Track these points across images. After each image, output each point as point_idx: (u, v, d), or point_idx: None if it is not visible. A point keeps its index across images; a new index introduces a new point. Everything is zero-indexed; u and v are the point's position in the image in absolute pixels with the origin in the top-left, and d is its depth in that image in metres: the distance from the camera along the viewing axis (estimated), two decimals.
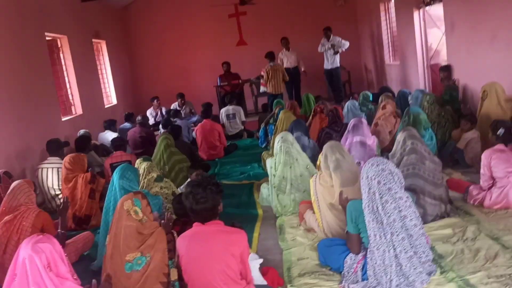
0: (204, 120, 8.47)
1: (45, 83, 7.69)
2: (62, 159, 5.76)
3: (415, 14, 9.05)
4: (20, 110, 6.64)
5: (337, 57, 10.96)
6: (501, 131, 4.35)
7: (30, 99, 6.99)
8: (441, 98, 7.22)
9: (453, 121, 6.48)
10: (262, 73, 10.69)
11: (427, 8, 8.81)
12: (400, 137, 4.23)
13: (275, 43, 11.74)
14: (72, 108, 8.97)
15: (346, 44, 10.87)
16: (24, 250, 2.46)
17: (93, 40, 10.55)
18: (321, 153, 4.19)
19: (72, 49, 9.00)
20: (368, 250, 3.12)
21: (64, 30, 8.81)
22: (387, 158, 4.64)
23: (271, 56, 10.54)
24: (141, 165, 4.67)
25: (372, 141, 5.48)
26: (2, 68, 6.35)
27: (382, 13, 11.25)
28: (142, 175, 4.59)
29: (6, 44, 6.53)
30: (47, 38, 8.13)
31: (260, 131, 8.52)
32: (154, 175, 4.56)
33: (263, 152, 6.99)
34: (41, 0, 7.92)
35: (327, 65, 11.05)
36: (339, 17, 13.19)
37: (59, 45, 8.81)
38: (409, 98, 7.42)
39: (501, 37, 6.18)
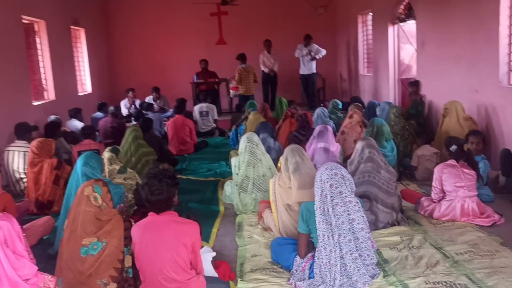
0: (176, 115, 8.54)
1: (19, 65, 7.63)
2: (30, 143, 5.77)
3: (390, 29, 9.36)
4: None
5: (313, 63, 11.19)
6: (453, 147, 4.60)
7: (1, 80, 6.93)
8: (407, 112, 7.51)
9: (416, 135, 6.77)
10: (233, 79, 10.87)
11: (402, 24, 9.12)
12: (359, 145, 4.43)
13: (254, 45, 11.91)
14: (45, 93, 8.91)
15: (323, 51, 11.12)
16: None
17: (72, 27, 10.47)
18: (281, 156, 4.35)
19: (49, 34, 8.95)
20: (316, 249, 3.28)
21: (42, 14, 8.74)
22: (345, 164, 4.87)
23: (242, 58, 10.72)
24: (105, 155, 4.73)
25: (335, 148, 5.68)
26: None
27: (360, 25, 11.54)
28: (105, 165, 4.65)
29: None
30: (24, 22, 8.06)
31: (231, 132, 8.65)
32: (116, 167, 4.61)
33: (231, 151, 7.12)
34: None
35: (303, 71, 11.26)
36: (319, 25, 13.44)
37: (36, 29, 8.74)
38: (377, 109, 7.68)
39: (465, 59, 6.49)
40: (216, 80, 11.61)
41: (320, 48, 11.10)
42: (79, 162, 3.95)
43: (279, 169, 4.51)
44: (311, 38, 11.15)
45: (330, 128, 5.88)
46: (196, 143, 8.47)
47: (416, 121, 7.16)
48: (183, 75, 12.79)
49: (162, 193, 2.91)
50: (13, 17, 7.58)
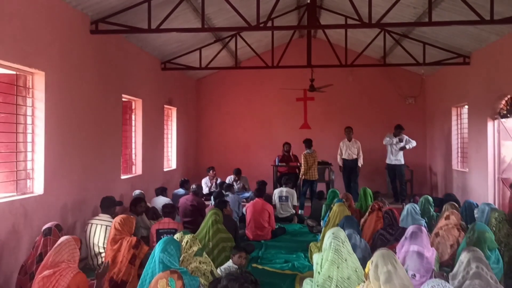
0: (257, 198, 8.38)
1: (114, 140, 8.05)
2: (113, 218, 5.84)
3: (489, 124, 8.77)
4: (85, 160, 6.93)
5: (402, 154, 10.69)
6: None
7: (97, 152, 7.31)
8: (510, 216, 6.70)
9: None
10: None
11: (503, 120, 8.51)
12: (464, 257, 3.86)
13: (339, 131, 11.76)
14: (133, 167, 9.25)
15: (413, 143, 10.65)
16: None
17: (165, 106, 11.06)
18: (370, 260, 3.89)
19: (144, 112, 9.48)
20: None
21: (140, 94, 9.34)
22: (447, 275, 4.27)
23: (308, 143, 10.50)
24: (183, 238, 4.57)
25: (431, 253, 5.06)
26: (80, 120, 6.75)
27: (454, 117, 11.00)
28: (184, 248, 4.48)
29: (87, 99, 6.99)
30: (123, 100, 8.61)
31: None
32: (195, 248, 4.44)
33: (311, 243, 6.71)
34: (124, 66, 8.52)
35: (390, 160, 10.77)
36: (407, 115, 13.10)
37: (133, 107, 9.30)
38: (475, 211, 6.95)
39: None
40: (298, 164, 11.46)
41: (411, 139, 10.64)
42: (157, 248, 3.81)
43: (366, 276, 4.04)
44: (403, 128, 10.77)
45: (424, 229, 5.30)
46: (273, 229, 8.18)
47: None
48: (265, 156, 12.86)
49: None
50: (115, 96, 8.13)
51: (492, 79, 8.63)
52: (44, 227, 4.89)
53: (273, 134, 13.40)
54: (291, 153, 11.70)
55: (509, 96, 8.25)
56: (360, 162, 10.94)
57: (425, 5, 7.49)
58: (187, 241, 4.70)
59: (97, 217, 6.08)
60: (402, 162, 10.73)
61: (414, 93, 13.17)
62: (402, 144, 10.59)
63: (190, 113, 13.39)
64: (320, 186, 11.29)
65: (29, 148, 5.77)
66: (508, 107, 8.39)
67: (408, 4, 8.14)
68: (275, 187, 10.78)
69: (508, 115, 8.31)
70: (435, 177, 12.35)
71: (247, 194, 10.62)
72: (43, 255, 4.64)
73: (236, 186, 11.06)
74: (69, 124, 6.42)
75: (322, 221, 8.21)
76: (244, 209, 8.76)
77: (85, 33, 6.96)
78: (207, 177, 11.25)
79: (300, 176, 10.41)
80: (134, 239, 5.29)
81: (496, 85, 8.48)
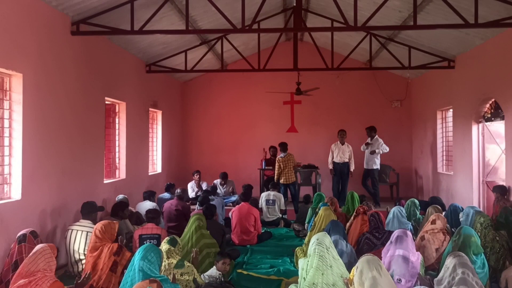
0: (242, 203, 8.29)
1: (96, 144, 7.89)
2: (94, 223, 5.71)
3: (474, 127, 8.81)
4: (66, 165, 6.76)
5: (376, 158, 10.72)
6: None
7: (78, 156, 7.15)
8: (496, 220, 6.70)
9: (509, 248, 5.93)
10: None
11: (487, 123, 8.55)
12: (450, 262, 3.82)
13: (326, 134, 11.73)
14: (117, 171, 9.09)
15: (386, 149, 10.69)
16: None
17: (150, 109, 10.92)
18: (355, 266, 3.83)
19: (128, 115, 9.33)
20: None
21: (124, 96, 9.19)
22: (432, 280, 4.23)
23: (283, 147, 10.45)
24: (163, 247, 4.46)
25: (416, 257, 5.01)
26: (60, 123, 6.59)
27: (439, 121, 11.04)
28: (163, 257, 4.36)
29: (68, 101, 6.83)
30: (106, 103, 8.46)
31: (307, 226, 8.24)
32: (174, 261, 4.31)
33: (297, 248, 6.64)
34: (107, 68, 8.37)
35: (366, 165, 10.84)
36: (393, 118, 13.16)
37: (117, 110, 9.15)
38: (460, 215, 6.94)
39: None
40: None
41: (384, 145, 10.71)
42: (137, 255, 3.70)
43: (351, 282, 3.97)
44: (375, 130, 10.82)
45: (410, 233, 5.26)
46: (260, 234, 8.10)
47: (507, 232, 6.35)
48: (252, 160, 12.79)
49: None
50: (97, 98, 7.97)
51: (477, 82, 8.67)
52: (18, 234, 4.76)
53: (260, 137, 13.32)
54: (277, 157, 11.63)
55: (493, 100, 8.30)
56: (352, 167, 10.89)
57: (410, 8, 7.49)
58: (165, 251, 4.56)
59: (77, 223, 5.94)
60: (375, 167, 10.75)
61: (400, 96, 13.21)
62: (370, 149, 10.65)
63: (175, 116, 13.26)
64: (307, 190, 11.26)
65: (6, 152, 5.61)
66: (492, 111, 8.44)
67: (394, 7, 8.14)
68: (261, 191, 10.71)
69: (493, 119, 8.36)
70: (421, 180, 12.38)
71: (233, 198, 10.52)
72: (19, 262, 4.52)
73: (222, 190, 10.97)
74: (48, 127, 6.27)
75: (307, 225, 8.16)
76: (230, 213, 8.65)
77: (65, 34, 6.81)
78: (193, 181, 11.12)
79: (275, 181, 10.34)
80: (115, 245, 5.17)
81: (480, 88, 8.52)
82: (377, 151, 10.67)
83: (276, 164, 10.38)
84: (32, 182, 5.84)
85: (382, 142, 10.76)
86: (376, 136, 10.85)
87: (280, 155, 10.48)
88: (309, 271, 4.57)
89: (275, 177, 10.41)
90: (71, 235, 5.81)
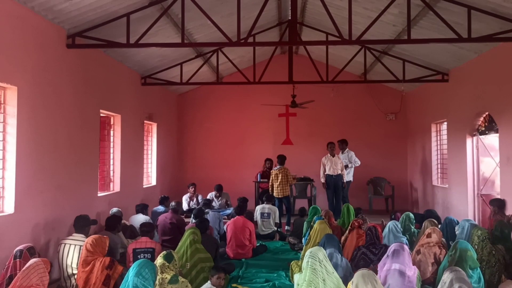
0: (237, 216, 8.24)
1: (90, 156, 7.85)
2: (87, 237, 5.63)
3: (468, 140, 8.84)
4: (59, 179, 6.71)
5: (348, 170, 10.84)
6: None
7: (72, 169, 7.10)
8: (491, 233, 6.69)
9: (505, 263, 5.91)
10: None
11: (482, 136, 8.59)
12: (446, 277, 3.81)
13: (321, 147, 11.69)
14: (111, 184, 9.03)
15: (357, 162, 10.87)
16: None
17: (145, 121, 10.90)
18: (351, 281, 3.80)
19: (123, 127, 9.30)
20: None
21: (119, 109, 9.18)
22: None
23: (280, 159, 10.38)
24: (157, 261, 4.40)
25: (412, 272, 4.99)
26: (54, 135, 6.56)
27: (434, 134, 11.09)
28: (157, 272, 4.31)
29: (63, 114, 6.81)
30: (101, 115, 8.44)
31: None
32: (168, 276, 4.25)
33: (292, 262, 6.58)
34: (102, 81, 8.36)
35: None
36: (388, 131, 13.22)
37: (112, 123, 9.12)
38: (456, 228, 6.93)
39: None
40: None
41: (356, 158, 10.86)
42: (131, 271, 3.66)
43: None
44: (346, 143, 11.03)
45: (406, 247, 5.24)
46: (255, 247, 8.04)
47: (503, 246, 6.33)
48: (247, 172, 12.75)
49: None
50: (92, 111, 7.95)
51: (471, 96, 8.73)
52: (16, 249, 4.71)
53: (255, 150, 13.32)
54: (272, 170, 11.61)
55: (487, 113, 8.34)
56: (345, 178, 10.80)
57: (404, 23, 7.57)
58: (159, 265, 4.50)
59: (70, 237, 5.86)
60: (346, 179, 10.82)
61: (395, 109, 13.27)
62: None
63: (171, 128, 13.23)
64: (302, 203, 11.23)
65: (0, 165, 5.56)
66: (486, 124, 8.48)
67: (388, 21, 8.22)
68: (256, 204, 10.67)
69: (487, 132, 8.40)
70: (416, 192, 12.39)
71: (228, 211, 10.46)
72: (13, 277, 4.44)
73: (217, 203, 10.91)
74: (42, 140, 6.23)
75: (303, 238, 8.11)
76: (225, 227, 8.59)
77: (61, 47, 6.81)
78: (188, 194, 11.07)
79: (270, 192, 10.31)
80: (107, 259, 5.11)
81: (474, 102, 8.57)
82: (349, 165, 10.75)
83: (272, 176, 10.36)
84: (25, 196, 5.79)
85: (354, 154, 10.92)
86: (347, 149, 10.99)
87: (275, 167, 10.45)
88: (302, 286, 4.54)
89: (269, 189, 10.38)
90: (63, 249, 5.72)
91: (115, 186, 9.08)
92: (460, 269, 3.94)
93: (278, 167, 10.35)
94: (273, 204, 9.73)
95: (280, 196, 10.20)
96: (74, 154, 7.17)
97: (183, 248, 5.69)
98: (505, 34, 6.63)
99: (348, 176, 10.91)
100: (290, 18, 7.58)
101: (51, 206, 6.43)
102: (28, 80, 5.89)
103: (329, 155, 10.87)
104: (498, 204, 7.31)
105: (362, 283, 3.67)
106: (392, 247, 5.25)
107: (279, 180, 10.20)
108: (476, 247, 5.71)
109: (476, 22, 6.71)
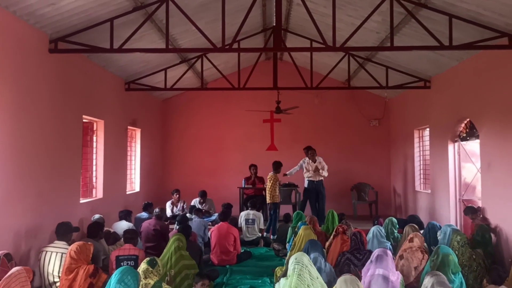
0: (222, 222, 8.21)
1: (72, 162, 7.75)
2: (69, 245, 5.56)
3: (450, 146, 8.98)
4: (40, 185, 6.61)
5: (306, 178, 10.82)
6: None
7: (53, 175, 7.00)
8: (472, 238, 6.80)
9: (485, 267, 6.01)
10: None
11: (463, 142, 8.72)
12: (427, 282, 3.86)
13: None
14: (94, 191, 8.92)
15: (324, 171, 10.71)
16: None
17: (129, 127, 10.81)
18: (334, 286, 3.82)
19: (106, 133, 9.21)
20: None
21: (102, 114, 9.09)
22: None
23: (274, 165, 10.31)
24: (141, 267, 4.36)
25: (396, 277, 5.02)
26: (35, 141, 6.46)
27: (416, 140, 11.22)
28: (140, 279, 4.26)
29: (44, 119, 6.72)
30: (84, 121, 8.34)
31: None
32: (151, 282, 4.21)
33: (277, 268, 6.58)
34: (85, 86, 8.28)
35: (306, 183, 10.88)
36: (372, 137, 13.33)
37: (95, 128, 9.02)
38: (438, 233, 7.02)
39: None
40: (264, 186, 11.35)
41: (325, 165, 10.73)
42: (113, 278, 3.61)
43: None
44: (310, 149, 10.83)
45: (390, 253, 5.28)
46: (239, 253, 8.01)
47: (483, 250, 6.44)
48: (232, 178, 12.72)
49: None
50: (75, 116, 7.86)
51: (452, 102, 8.87)
52: None
53: (240, 156, 13.29)
54: (256, 175, 11.61)
55: (468, 120, 8.48)
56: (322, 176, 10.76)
57: (387, 30, 7.66)
58: (143, 270, 4.47)
59: (52, 244, 5.77)
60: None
61: (378, 115, 13.40)
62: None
63: (155, 134, 13.15)
64: (287, 209, 11.23)
65: None
66: (467, 130, 8.62)
67: (371, 29, 8.32)
68: (241, 210, 10.64)
69: (468, 138, 8.54)
70: (399, 198, 12.51)
71: (212, 217, 10.40)
72: None
73: (202, 209, 10.83)
74: (23, 146, 6.13)
75: (287, 244, 8.12)
76: (209, 233, 8.55)
77: (43, 52, 6.73)
78: (171, 200, 10.99)
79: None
80: (91, 267, 5.04)
81: (455, 108, 8.71)
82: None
83: (268, 182, 10.25)
84: (5, 203, 5.69)
85: (322, 159, 10.83)
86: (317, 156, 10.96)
87: (273, 172, 10.34)
88: None
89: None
90: (45, 257, 5.63)
91: (98, 192, 8.97)
92: (440, 274, 3.99)
93: (271, 173, 10.29)
94: (257, 210, 9.72)
95: (269, 202, 10.16)
96: (56, 160, 7.07)
97: (168, 255, 5.65)
98: (485, 42, 6.76)
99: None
100: (274, 24, 7.62)
101: (31, 213, 6.33)
102: (8, 85, 5.80)
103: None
104: (471, 211, 7.45)
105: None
106: (375, 252, 5.28)
107: (268, 186, 10.18)
108: (456, 252, 5.80)
109: (457, 30, 6.84)
